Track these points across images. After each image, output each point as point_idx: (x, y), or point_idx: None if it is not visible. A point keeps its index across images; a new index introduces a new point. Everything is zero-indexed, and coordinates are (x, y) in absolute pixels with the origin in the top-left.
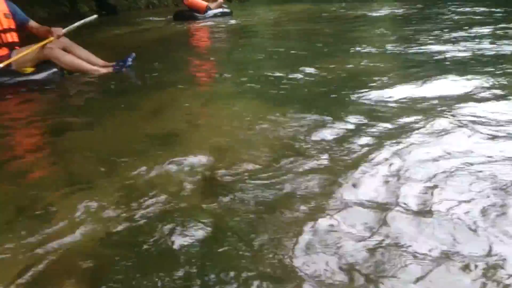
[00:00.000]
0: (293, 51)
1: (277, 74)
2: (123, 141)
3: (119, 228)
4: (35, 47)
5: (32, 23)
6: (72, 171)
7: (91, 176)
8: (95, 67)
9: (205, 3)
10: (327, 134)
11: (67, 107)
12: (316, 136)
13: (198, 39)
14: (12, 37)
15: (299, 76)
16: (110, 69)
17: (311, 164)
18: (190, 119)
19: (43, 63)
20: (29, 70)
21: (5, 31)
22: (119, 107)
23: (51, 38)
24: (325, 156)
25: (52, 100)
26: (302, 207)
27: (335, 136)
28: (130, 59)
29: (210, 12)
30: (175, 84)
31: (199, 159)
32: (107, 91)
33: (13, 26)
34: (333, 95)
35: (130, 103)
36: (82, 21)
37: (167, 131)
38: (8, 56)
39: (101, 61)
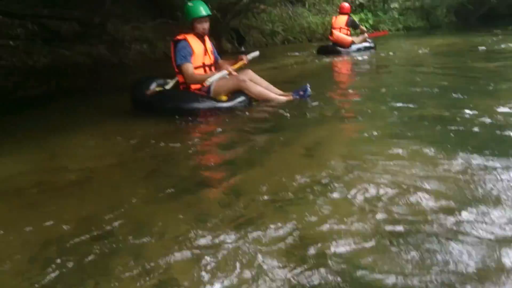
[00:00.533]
0: (446, 87)
1: (434, 112)
2: (283, 182)
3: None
4: (230, 68)
5: (221, 61)
6: (240, 211)
7: (259, 219)
8: (277, 96)
9: (350, 39)
10: None
11: (243, 136)
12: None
13: (345, 73)
14: (212, 70)
15: (462, 115)
16: (290, 97)
17: None
18: (347, 161)
19: (234, 92)
20: (224, 98)
21: (209, 66)
22: (284, 140)
23: (243, 62)
24: None
25: (235, 127)
26: None
27: None
28: (308, 90)
29: (354, 47)
30: (330, 119)
31: (363, 212)
32: (279, 119)
33: (213, 61)
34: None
35: (291, 137)
36: (252, 55)
37: (326, 174)
38: (208, 88)
39: (278, 91)
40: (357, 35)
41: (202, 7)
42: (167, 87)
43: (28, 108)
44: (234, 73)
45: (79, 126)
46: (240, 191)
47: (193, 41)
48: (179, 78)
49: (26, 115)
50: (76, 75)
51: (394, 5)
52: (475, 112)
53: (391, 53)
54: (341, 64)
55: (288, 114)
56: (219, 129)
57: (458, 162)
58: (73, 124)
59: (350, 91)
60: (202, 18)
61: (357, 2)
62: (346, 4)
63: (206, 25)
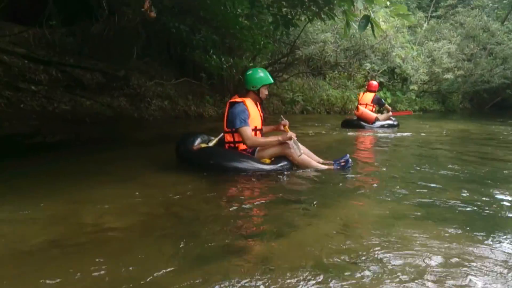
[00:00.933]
0: (472, 173)
1: (464, 196)
2: (313, 256)
3: None
4: (273, 139)
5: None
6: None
7: None
8: (318, 164)
9: (375, 115)
10: None
11: (279, 203)
12: None
13: (370, 148)
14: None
15: (489, 200)
16: (331, 167)
17: None
18: (379, 239)
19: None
20: (268, 161)
21: (260, 130)
22: (318, 211)
23: (287, 130)
24: None
25: (273, 193)
26: None
27: None
28: (349, 161)
29: (378, 123)
30: (361, 194)
31: None
32: (317, 189)
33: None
34: None
35: (325, 209)
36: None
37: (356, 252)
38: (254, 150)
39: (318, 158)
40: (382, 112)
41: (269, 74)
42: (211, 144)
43: (46, 154)
44: (295, 144)
45: (99, 177)
46: (268, 262)
47: (250, 105)
48: (227, 137)
49: (44, 161)
50: (95, 124)
51: (413, 87)
52: (502, 197)
53: (413, 133)
54: (365, 139)
55: (325, 184)
56: (256, 193)
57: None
58: (92, 175)
59: (380, 167)
60: (268, 85)
61: (377, 80)
62: (374, 82)
63: (267, 91)
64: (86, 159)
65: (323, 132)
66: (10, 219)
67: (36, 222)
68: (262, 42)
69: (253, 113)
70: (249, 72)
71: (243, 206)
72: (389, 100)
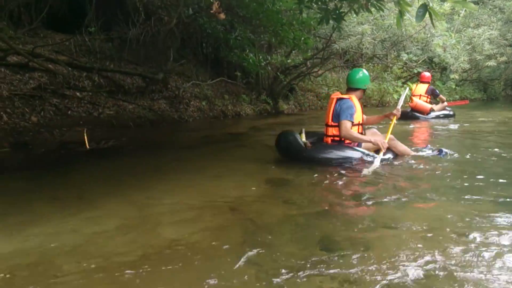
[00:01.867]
0: None
1: None
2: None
3: None
4: (367, 138)
5: (365, 116)
6: None
7: None
8: (413, 152)
9: (430, 106)
10: None
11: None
12: None
13: (428, 139)
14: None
15: None
16: (423, 154)
17: None
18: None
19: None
20: (372, 152)
21: (361, 124)
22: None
23: (395, 118)
24: None
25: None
26: None
27: None
28: (443, 150)
29: (433, 114)
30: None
31: None
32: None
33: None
34: None
35: (423, 204)
36: (403, 97)
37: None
38: (359, 144)
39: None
40: (436, 103)
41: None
42: (302, 139)
43: (104, 161)
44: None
45: (159, 184)
46: (353, 281)
47: (356, 102)
48: (331, 131)
49: (103, 168)
50: (139, 127)
51: (454, 75)
52: None
53: (470, 123)
54: (421, 130)
55: (427, 175)
56: (337, 191)
57: None
58: (152, 181)
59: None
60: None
61: (415, 71)
62: (427, 74)
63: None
64: (142, 165)
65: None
66: (85, 231)
67: (110, 233)
68: (302, 38)
69: (358, 109)
70: (362, 72)
71: (322, 208)
72: None
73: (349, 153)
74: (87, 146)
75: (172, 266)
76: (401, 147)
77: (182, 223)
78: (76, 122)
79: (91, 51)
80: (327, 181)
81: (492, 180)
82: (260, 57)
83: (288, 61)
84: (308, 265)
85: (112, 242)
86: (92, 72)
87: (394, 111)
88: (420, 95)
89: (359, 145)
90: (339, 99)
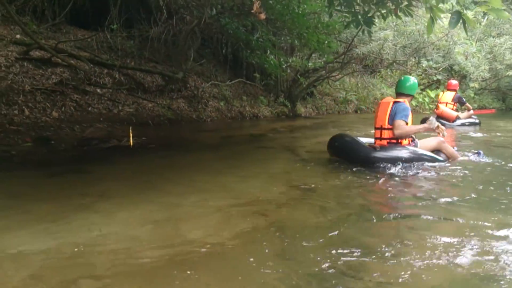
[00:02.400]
0: None
1: None
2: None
3: None
4: (420, 126)
5: None
6: None
7: None
8: (461, 157)
9: (456, 114)
10: None
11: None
12: None
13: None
14: None
15: None
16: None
17: None
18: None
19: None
20: None
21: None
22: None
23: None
24: None
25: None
26: None
27: None
28: (482, 154)
29: (459, 122)
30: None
31: None
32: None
33: None
34: None
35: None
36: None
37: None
38: (415, 145)
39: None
40: (462, 111)
41: None
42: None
43: (127, 159)
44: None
45: (183, 186)
46: None
47: (409, 106)
48: (387, 133)
49: (126, 167)
50: (158, 126)
51: (474, 84)
52: None
53: (496, 132)
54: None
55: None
56: (375, 194)
57: None
58: (176, 183)
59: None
60: None
61: (434, 78)
62: (454, 81)
63: None
64: (166, 164)
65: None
66: (111, 232)
67: (137, 235)
68: (326, 41)
69: (411, 114)
70: (413, 79)
71: (350, 213)
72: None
73: (418, 153)
74: (131, 143)
75: (196, 270)
76: (451, 149)
77: (209, 226)
78: (96, 119)
79: (113, 48)
80: (355, 185)
81: None
82: (281, 59)
83: (309, 64)
84: (336, 273)
85: (137, 243)
86: (113, 69)
87: (427, 125)
88: (447, 103)
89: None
90: (395, 102)
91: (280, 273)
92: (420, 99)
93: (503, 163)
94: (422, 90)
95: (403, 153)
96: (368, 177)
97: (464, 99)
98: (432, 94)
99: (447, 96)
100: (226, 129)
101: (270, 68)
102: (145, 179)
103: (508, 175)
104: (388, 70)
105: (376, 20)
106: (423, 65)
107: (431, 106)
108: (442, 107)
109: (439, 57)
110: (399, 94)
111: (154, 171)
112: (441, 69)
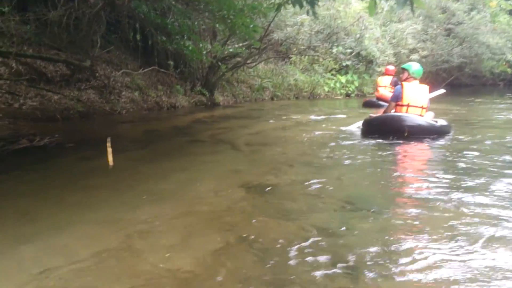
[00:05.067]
0: None
1: None
2: None
3: None
4: None
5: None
6: None
7: None
8: None
9: None
10: None
11: None
12: None
13: None
14: None
15: None
16: None
17: None
18: None
19: None
20: None
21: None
22: None
23: None
24: None
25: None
26: None
27: None
28: None
29: None
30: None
31: None
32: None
33: None
34: None
35: None
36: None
37: None
38: None
39: None
40: None
41: None
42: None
43: (45, 164)
44: None
45: (134, 192)
46: None
47: None
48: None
49: (48, 175)
50: (68, 120)
51: (380, 69)
52: None
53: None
54: None
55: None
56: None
57: None
58: (121, 188)
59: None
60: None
61: (343, 64)
62: (391, 67)
63: None
64: (93, 169)
65: (350, 114)
66: (52, 268)
67: (87, 269)
68: (251, 25)
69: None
70: (419, 65)
71: (320, 216)
72: (356, 84)
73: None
74: (110, 163)
75: None
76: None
77: (168, 247)
78: None
79: (6, 34)
80: (309, 177)
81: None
82: (201, 45)
83: (230, 49)
84: None
85: (90, 279)
86: (8, 57)
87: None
88: (385, 86)
89: None
90: (423, 86)
91: None
92: (332, 84)
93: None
94: (333, 75)
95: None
96: (323, 167)
97: (399, 82)
98: (343, 79)
99: (385, 80)
100: (146, 122)
101: (189, 54)
102: (75, 189)
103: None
104: (300, 56)
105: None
106: (334, 50)
107: (342, 91)
108: (381, 90)
109: (352, 42)
110: (416, 79)
111: (82, 179)
112: (351, 54)
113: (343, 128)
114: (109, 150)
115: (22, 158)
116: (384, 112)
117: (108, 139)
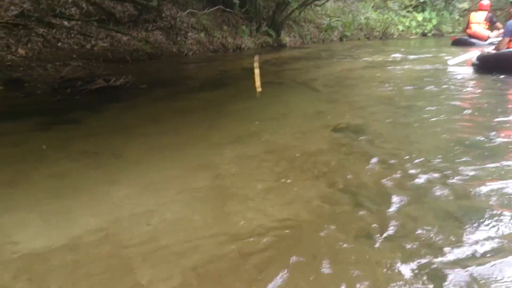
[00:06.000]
0: None
1: None
2: None
3: None
4: None
5: None
6: None
7: None
8: None
9: (487, 33)
10: None
11: None
12: None
13: None
14: None
15: None
16: None
17: None
18: None
19: None
20: None
21: None
22: None
23: None
24: None
25: None
26: None
27: None
28: None
29: (489, 41)
30: None
31: None
32: None
33: None
34: None
35: None
36: None
37: None
38: None
39: None
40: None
41: None
42: None
43: (123, 104)
44: None
45: (215, 131)
46: None
47: None
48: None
49: (127, 115)
50: (138, 62)
51: (463, 5)
52: None
53: None
54: None
55: None
56: None
57: None
58: (200, 127)
59: None
60: None
61: (420, 0)
62: (486, 2)
63: None
64: (173, 109)
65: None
66: (145, 210)
67: (182, 214)
68: None
69: None
70: None
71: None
72: (434, 22)
73: None
74: (258, 89)
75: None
76: None
77: (263, 192)
78: (68, 56)
79: None
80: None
81: None
82: None
83: None
84: None
85: (188, 226)
86: None
87: None
88: (479, 23)
89: None
90: None
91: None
92: (407, 23)
93: None
94: (408, 13)
95: None
96: (414, 107)
97: (495, 19)
98: (419, 17)
99: (479, 16)
100: (213, 63)
101: None
102: (158, 129)
103: None
104: None
105: None
106: None
107: (417, 30)
108: (474, 27)
109: None
110: None
111: (163, 118)
112: None
113: (450, 62)
114: (257, 72)
115: (101, 98)
116: (496, 48)
117: (256, 58)
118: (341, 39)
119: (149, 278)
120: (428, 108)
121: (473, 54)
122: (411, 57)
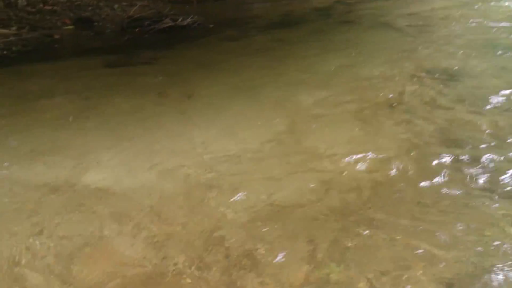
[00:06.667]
0: None
1: None
2: None
3: None
4: None
5: None
6: None
7: None
8: None
9: None
10: None
11: None
12: None
13: None
14: None
15: None
16: None
17: None
18: None
19: None
20: None
21: None
22: None
23: None
24: None
25: None
26: None
27: None
28: None
29: None
30: None
31: None
32: None
33: None
34: None
35: None
36: None
37: None
38: None
39: None
40: None
41: None
42: None
43: (192, 44)
44: None
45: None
46: None
47: None
48: None
49: (198, 54)
50: (201, 3)
51: None
52: None
53: None
54: None
55: None
56: None
57: None
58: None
59: None
60: None
61: None
62: None
63: None
64: (243, 47)
65: None
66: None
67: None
68: None
69: None
70: None
71: None
72: None
73: None
74: None
75: None
76: None
77: (348, 141)
78: None
79: None
80: None
81: None
82: None
83: None
84: None
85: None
86: None
87: None
88: None
89: None
90: None
91: None
92: None
93: None
94: None
95: None
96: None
97: None
98: None
99: None
100: (280, 3)
101: None
102: (228, 68)
103: None
104: None
105: None
106: None
107: None
108: None
109: None
110: None
111: (233, 57)
112: None
113: None
114: None
115: (169, 37)
116: None
117: None
118: None
119: None
120: None
121: None
122: None
